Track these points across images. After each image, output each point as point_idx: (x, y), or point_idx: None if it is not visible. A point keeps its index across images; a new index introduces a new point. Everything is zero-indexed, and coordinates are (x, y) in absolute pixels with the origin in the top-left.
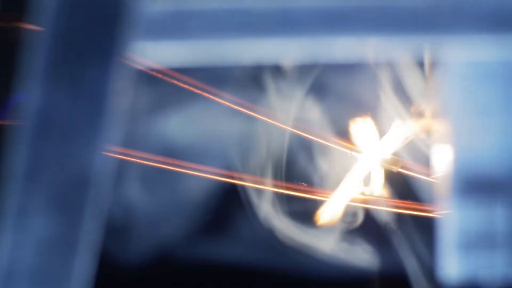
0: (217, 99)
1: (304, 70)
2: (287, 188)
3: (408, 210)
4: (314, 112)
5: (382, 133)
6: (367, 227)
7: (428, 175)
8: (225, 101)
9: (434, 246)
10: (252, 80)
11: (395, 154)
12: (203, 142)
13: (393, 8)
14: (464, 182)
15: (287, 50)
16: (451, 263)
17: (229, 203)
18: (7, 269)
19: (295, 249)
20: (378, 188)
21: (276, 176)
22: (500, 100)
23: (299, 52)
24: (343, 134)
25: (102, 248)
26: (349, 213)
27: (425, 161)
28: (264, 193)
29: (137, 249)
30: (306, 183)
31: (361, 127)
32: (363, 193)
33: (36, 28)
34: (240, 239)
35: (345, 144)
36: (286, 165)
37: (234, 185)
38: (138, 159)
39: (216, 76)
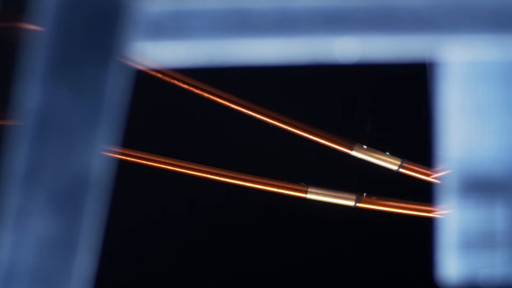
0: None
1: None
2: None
3: (408, 210)
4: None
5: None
6: None
7: (428, 175)
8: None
9: (434, 246)
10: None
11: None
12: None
13: (393, 8)
14: (464, 182)
15: (287, 50)
16: (451, 263)
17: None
18: (7, 269)
19: None
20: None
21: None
22: (500, 100)
23: (299, 52)
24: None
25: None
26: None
27: (425, 161)
28: None
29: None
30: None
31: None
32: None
33: (36, 28)
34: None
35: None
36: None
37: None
38: (138, 160)
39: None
